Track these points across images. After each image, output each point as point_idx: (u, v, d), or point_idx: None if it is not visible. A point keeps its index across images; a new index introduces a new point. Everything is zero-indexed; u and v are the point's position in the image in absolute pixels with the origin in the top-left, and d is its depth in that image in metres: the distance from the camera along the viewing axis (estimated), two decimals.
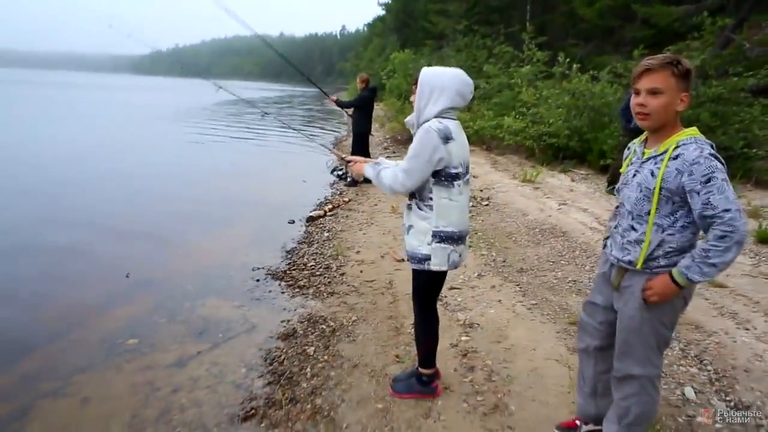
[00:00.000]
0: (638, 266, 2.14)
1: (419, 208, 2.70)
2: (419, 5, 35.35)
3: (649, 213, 2.09)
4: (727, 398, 3.09)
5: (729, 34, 12.87)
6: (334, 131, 20.33)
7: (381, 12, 49.17)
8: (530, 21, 20.95)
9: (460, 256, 2.73)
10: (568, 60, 12.29)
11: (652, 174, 2.06)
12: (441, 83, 2.61)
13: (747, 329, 3.92)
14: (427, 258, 2.68)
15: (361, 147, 9.44)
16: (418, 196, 2.70)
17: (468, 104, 2.76)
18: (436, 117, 2.60)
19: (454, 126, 2.61)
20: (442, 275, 2.84)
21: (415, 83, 2.69)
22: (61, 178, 9.70)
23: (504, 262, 5.40)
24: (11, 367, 3.60)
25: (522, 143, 11.95)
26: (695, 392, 3.14)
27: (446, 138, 2.53)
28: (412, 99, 2.75)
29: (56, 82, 67.95)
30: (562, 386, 3.18)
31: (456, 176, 2.61)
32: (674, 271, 2.05)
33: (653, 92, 2.01)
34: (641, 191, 2.11)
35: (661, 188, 2.03)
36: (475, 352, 3.61)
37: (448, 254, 2.67)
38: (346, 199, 8.37)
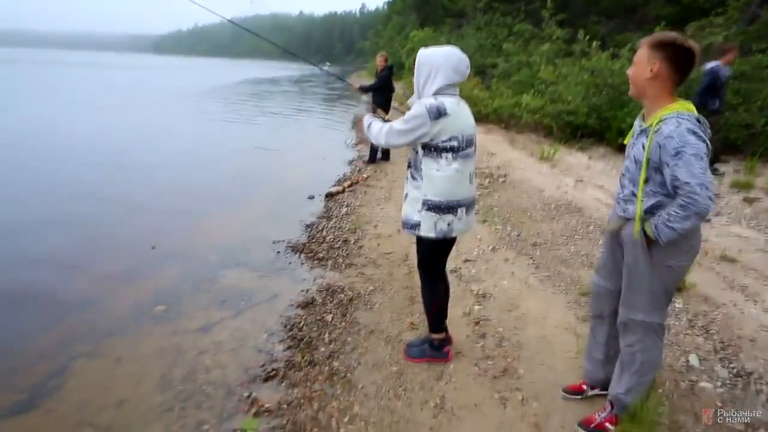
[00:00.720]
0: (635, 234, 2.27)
1: (413, 177, 2.90)
2: None
3: (646, 182, 2.23)
4: (731, 365, 3.19)
5: (756, 10, 12.61)
6: (354, 108, 20.37)
7: None
8: None
9: (449, 225, 2.85)
10: (588, 37, 12.16)
11: (643, 147, 2.21)
12: (437, 63, 2.75)
13: (756, 302, 3.99)
14: (417, 225, 2.88)
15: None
16: (413, 166, 2.91)
17: (464, 79, 2.88)
18: (434, 95, 2.75)
19: (450, 102, 2.74)
20: (440, 244, 2.98)
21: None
22: (89, 158, 9.95)
23: (519, 236, 5.50)
24: (49, 331, 3.82)
25: (540, 121, 11.92)
26: (699, 360, 3.25)
27: (438, 114, 2.68)
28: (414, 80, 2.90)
29: (80, 62, 68.60)
30: (569, 352, 3.31)
31: (445, 149, 2.76)
32: (646, 223, 2.22)
33: (633, 63, 2.26)
34: (635, 162, 2.26)
35: (648, 160, 2.17)
36: (487, 320, 3.74)
37: (434, 222, 2.84)
38: (365, 176, 8.50)
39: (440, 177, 2.79)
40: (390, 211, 6.53)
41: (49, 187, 7.69)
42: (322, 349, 3.46)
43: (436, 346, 3.25)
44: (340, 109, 21.27)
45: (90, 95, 23.40)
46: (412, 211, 2.90)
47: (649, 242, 2.24)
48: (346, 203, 6.96)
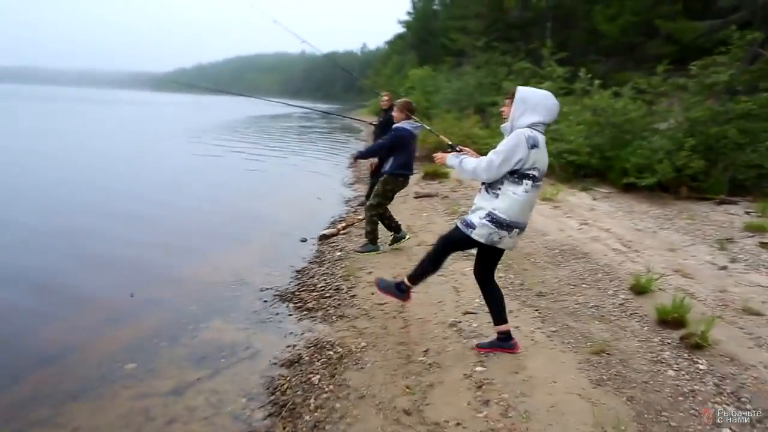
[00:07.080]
0: None
1: (487, 192, 3.30)
2: (439, 22, 35.46)
3: None
4: None
5: (758, 49, 12.52)
6: (353, 145, 20.23)
7: (401, 29, 49.45)
8: (550, 37, 20.73)
9: (500, 239, 3.26)
10: (590, 76, 12.00)
11: None
12: (534, 101, 3.25)
13: None
14: (473, 227, 3.28)
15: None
16: (489, 183, 3.29)
17: (552, 121, 3.37)
18: (527, 127, 3.19)
19: (541, 138, 3.23)
20: (469, 243, 3.37)
21: (509, 98, 3.33)
22: (69, 193, 9.67)
23: (522, 285, 5.15)
24: (7, 392, 3.45)
25: None
26: None
27: (533, 145, 3.15)
28: (502, 110, 3.41)
29: (94, 98, 69.15)
30: (584, 424, 2.92)
31: (527, 176, 3.19)
32: None
33: None
34: None
35: None
36: (490, 384, 3.36)
37: (489, 233, 3.25)
38: (361, 217, 8.18)
39: (514, 199, 3.20)
40: (385, 255, 6.19)
41: (19, 223, 7.39)
42: (307, 417, 3.09)
43: (402, 290, 3.72)
44: (339, 146, 21.13)
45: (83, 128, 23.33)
46: (475, 217, 3.30)
47: None
48: (339, 247, 6.62)
